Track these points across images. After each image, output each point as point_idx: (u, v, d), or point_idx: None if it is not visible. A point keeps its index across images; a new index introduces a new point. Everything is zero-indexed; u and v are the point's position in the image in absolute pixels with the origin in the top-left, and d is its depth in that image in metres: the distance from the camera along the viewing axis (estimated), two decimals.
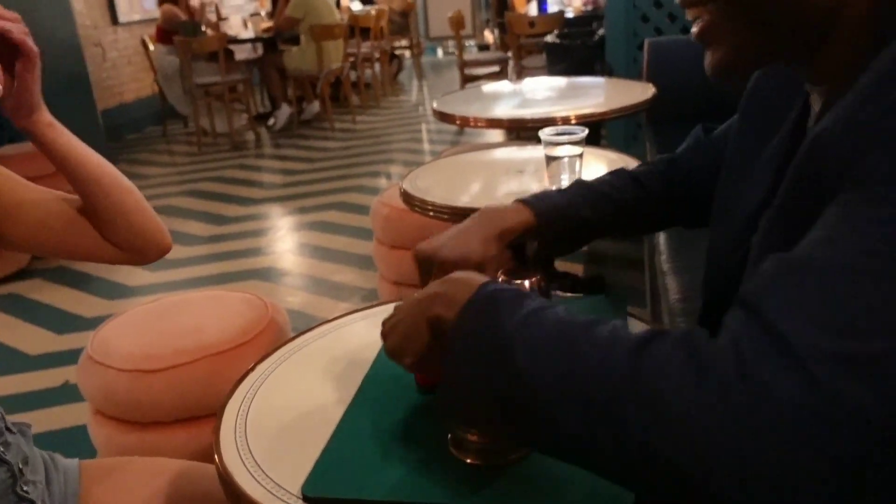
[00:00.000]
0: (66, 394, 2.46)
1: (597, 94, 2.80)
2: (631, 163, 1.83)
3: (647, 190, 1.01)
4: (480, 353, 0.59)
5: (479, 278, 0.67)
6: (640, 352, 0.50)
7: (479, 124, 2.45)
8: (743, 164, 0.81)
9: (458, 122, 2.48)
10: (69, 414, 2.34)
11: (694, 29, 0.66)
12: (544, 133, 1.60)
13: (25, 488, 0.97)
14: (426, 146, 5.69)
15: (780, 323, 0.45)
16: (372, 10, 7.26)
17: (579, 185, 1.01)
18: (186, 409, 1.65)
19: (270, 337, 1.76)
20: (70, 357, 2.50)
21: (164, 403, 1.64)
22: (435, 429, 0.80)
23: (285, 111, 6.38)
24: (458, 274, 0.70)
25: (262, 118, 6.60)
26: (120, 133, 6.54)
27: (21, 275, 3.55)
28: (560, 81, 3.06)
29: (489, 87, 3.16)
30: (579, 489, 0.70)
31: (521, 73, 4.87)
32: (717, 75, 0.65)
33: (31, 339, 2.91)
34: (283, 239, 3.95)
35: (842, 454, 0.42)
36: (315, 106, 6.53)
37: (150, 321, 1.80)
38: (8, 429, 1.00)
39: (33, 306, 3.22)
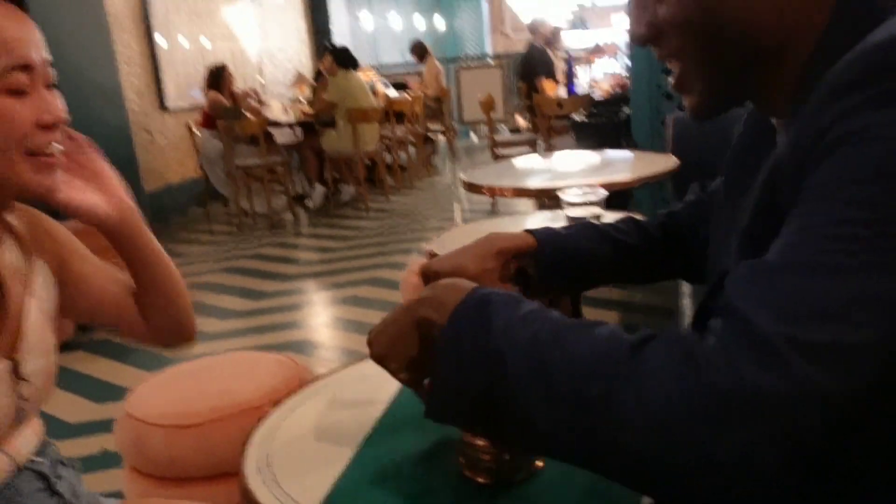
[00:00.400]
0: (104, 461, 2.51)
1: (623, 166, 2.87)
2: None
3: (650, 237, 1.03)
4: (473, 355, 0.61)
5: (468, 283, 0.69)
6: (639, 350, 0.54)
7: (506, 193, 2.53)
8: (727, 213, 0.83)
9: (485, 191, 2.56)
10: (105, 480, 2.39)
11: (670, 79, 0.73)
12: (564, 194, 1.66)
13: None
14: (459, 224, 5.80)
15: (755, 318, 0.50)
16: (407, 95, 7.54)
17: (584, 224, 1.05)
18: (218, 465, 1.69)
19: None
20: (108, 425, 2.56)
21: (197, 459, 1.68)
22: (448, 452, 0.83)
23: (319, 191, 6.58)
24: (447, 280, 0.72)
25: (300, 199, 6.80)
26: (164, 214, 6.78)
27: (65, 347, 3.66)
28: (587, 155, 3.15)
29: (519, 160, 3.26)
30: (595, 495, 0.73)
31: (550, 152, 4.99)
32: (697, 117, 0.73)
33: (72, 407, 2.99)
34: (318, 313, 4.03)
35: (805, 433, 0.47)
36: (351, 189, 6.73)
37: (186, 380, 1.86)
38: (61, 462, 1.05)
39: (76, 377, 3.31)
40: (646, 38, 0.70)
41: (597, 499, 0.72)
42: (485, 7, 14.53)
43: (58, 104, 0.86)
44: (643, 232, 1.04)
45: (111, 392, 3.07)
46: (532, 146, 5.92)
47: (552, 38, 7.21)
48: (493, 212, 5.90)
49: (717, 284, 0.72)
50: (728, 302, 0.53)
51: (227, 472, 1.70)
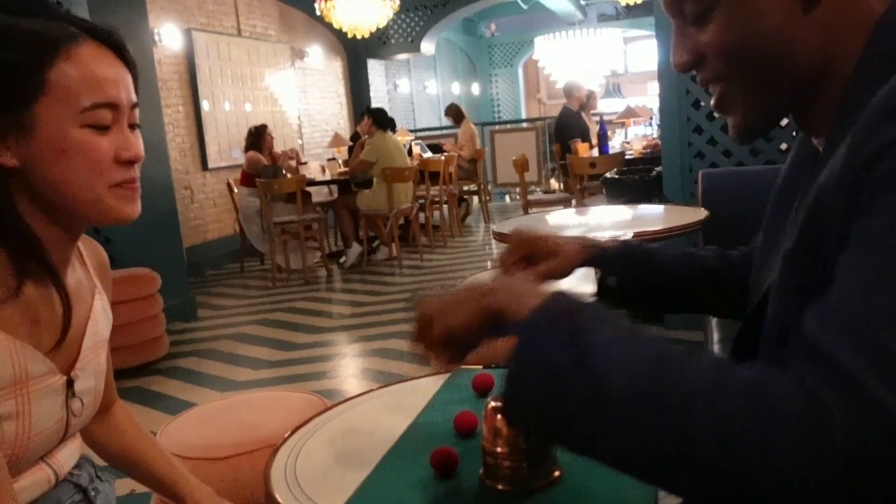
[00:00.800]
0: (132, 499, 2.52)
1: (654, 219, 2.89)
2: None
3: (732, 265, 1.01)
4: (559, 361, 0.57)
5: (544, 288, 0.66)
6: (758, 385, 0.53)
7: None
8: (770, 239, 0.83)
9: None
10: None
11: (712, 102, 0.76)
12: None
13: None
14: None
15: (856, 370, 0.50)
16: (441, 156, 7.68)
17: (672, 248, 1.04)
18: (244, 499, 1.69)
19: None
20: None
21: (223, 492, 1.68)
22: (469, 462, 0.84)
23: (356, 249, 6.67)
24: (521, 277, 0.73)
25: (333, 256, 6.90)
26: (201, 269, 6.92)
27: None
28: (619, 209, 3.18)
29: (550, 214, 3.29)
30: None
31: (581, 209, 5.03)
32: (740, 137, 0.76)
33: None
34: (347, 364, 4.05)
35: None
36: (385, 250, 6.80)
37: (216, 415, 1.89)
38: (98, 476, 1.08)
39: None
40: (688, 65, 0.74)
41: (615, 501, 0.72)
42: (521, 75, 14.85)
43: (137, 143, 0.90)
44: (722, 261, 1.02)
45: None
46: (565, 205, 5.97)
47: (587, 101, 7.32)
48: None
49: (760, 306, 0.74)
50: (829, 354, 0.52)
51: None
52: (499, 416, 0.80)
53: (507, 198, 11.55)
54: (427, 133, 10.94)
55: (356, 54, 10.20)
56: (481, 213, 9.11)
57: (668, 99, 3.85)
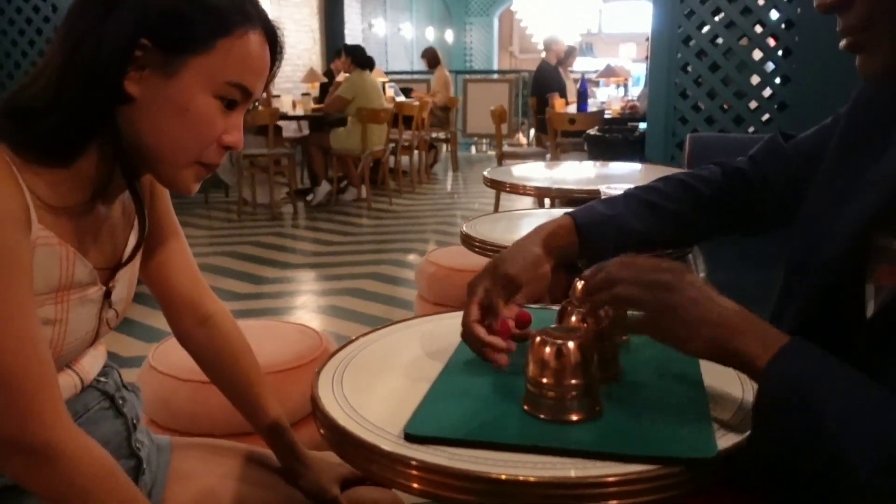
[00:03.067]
0: None
1: (641, 177, 2.93)
2: None
3: (699, 199, 1.03)
4: (798, 431, 0.65)
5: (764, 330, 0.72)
6: None
7: (529, 192, 2.56)
8: (843, 180, 0.85)
9: (507, 188, 2.60)
10: None
11: (842, 43, 0.76)
12: (605, 189, 1.70)
13: (137, 445, 1.04)
14: (459, 229, 5.83)
15: None
16: (415, 100, 7.59)
17: (629, 197, 1.04)
18: (240, 424, 1.68)
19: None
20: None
21: (219, 416, 1.68)
22: (518, 390, 0.85)
23: (325, 188, 6.60)
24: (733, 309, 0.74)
25: (301, 193, 6.82)
26: None
27: None
28: (605, 165, 3.20)
29: (537, 165, 3.28)
30: (650, 444, 0.75)
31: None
32: (870, 77, 0.75)
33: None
34: (318, 301, 4.04)
35: None
36: (354, 191, 6.75)
37: None
38: (125, 385, 1.07)
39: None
40: (834, 7, 0.73)
41: (657, 445, 0.74)
42: (495, 25, 14.68)
43: (241, 133, 0.91)
44: (692, 194, 1.04)
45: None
46: (543, 160, 5.98)
47: (565, 57, 7.30)
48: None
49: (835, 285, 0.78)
50: None
51: (249, 431, 1.71)
52: (547, 349, 0.80)
53: (474, 148, 11.51)
54: (400, 77, 10.78)
55: None
56: (449, 161, 9.09)
57: (659, 61, 3.86)
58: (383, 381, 0.96)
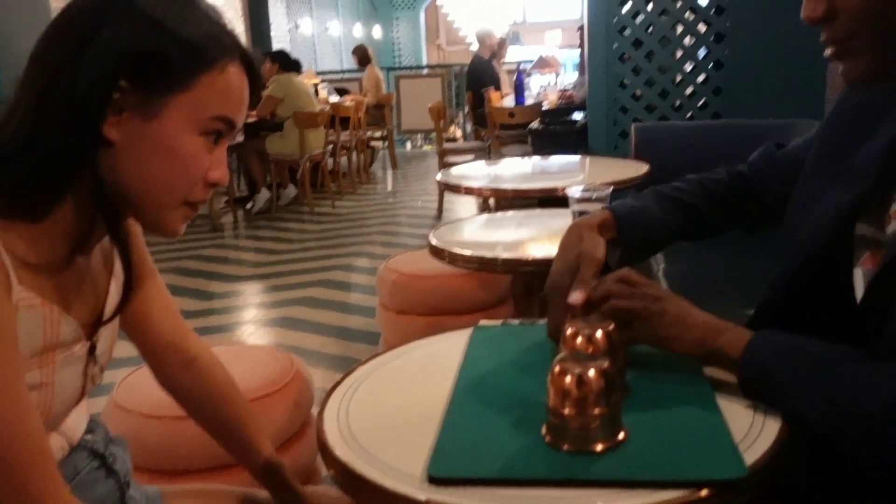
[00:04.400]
0: None
1: (596, 170, 2.96)
2: None
3: (712, 195, 1.12)
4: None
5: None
6: None
7: (485, 193, 2.55)
8: (824, 173, 0.92)
9: (463, 191, 2.59)
10: None
11: (827, 52, 0.80)
12: (572, 190, 1.70)
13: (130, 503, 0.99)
14: (405, 229, 5.81)
15: None
16: (349, 100, 7.50)
17: (655, 193, 1.12)
18: (218, 456, 1.63)
19: (297, 387, 1.79)
20: None
21: (197, 450, 1.63)
22: (533, 417, 0.84)
23: (264, 195, 6.48)
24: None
25: (240, 202, 6.67)
26: None
27: None
28: (552, 159, 3.22)
29: (469, 166, 3.23)
30: (680, 468, 0.74)
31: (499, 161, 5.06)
32: (852, 83, 0.81)
33: None
34: (271, 314, 3.96)
35: None
36: (291, 190, 6.64)
37: None
38: (112, 440, 1.02)
39: None
40: (819, 20, 0.77)
41: (680, 469, 0.74)
42: (422, 19, 14.64)
43: (226, 167, 0.88)
44: (708, 193, 1.12)
45: None
46: (485, 154, 5.99)
47: (498, 49, 7.32)
48: (439, 218, 5.93)
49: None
50: None
51: (228, 463, 1.65)
52: (567, 378, 0.78)
53: (409, 144, 11.46)
54: (331, 76, 10.65)
55: None
56: (387, 159, 9.03)
57: (596, 53, 3.90)
58: (391, 415, 0.94)
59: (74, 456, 0.94)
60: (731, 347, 0.84)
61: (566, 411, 0.79)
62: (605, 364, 0.79)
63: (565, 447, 0.79)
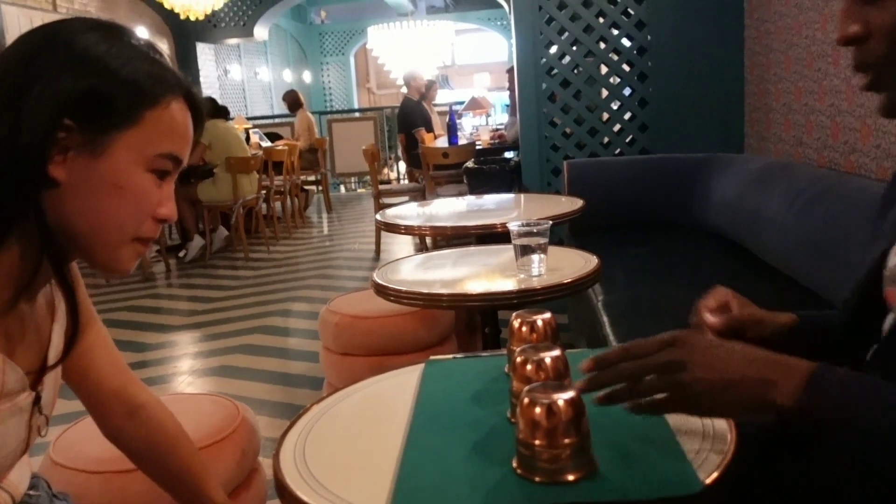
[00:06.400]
0: None
1: (532, 206, 3.02)
2: (588, 257, 1.99)
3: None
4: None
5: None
6: None
7: (424, 231, 2.58)
8: (881, 219, 0.92)
9: (402, 230, 2.60)
10: None
11: (860, 80, 0.79)
12: (513, 225, 1.74)
13: None
14: (343, 272, 5.77)
15: None
16: (282, 144, 7.48)
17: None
18: None
19: (244, 434, 1.75)
20: None
21: None
22: (499, 449, 0.85)
23: (198, 242, 6.36)
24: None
25: (172, 250, 6.54)
26: None
27: None
28: (486, 198, 3.27)
29: (406, 207, 3.29)
30: (641, 489, 0.76)
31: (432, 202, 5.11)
32: (891, 116, 0.78)
33: None
34: (209, 363, 3.87)
35: None
36: (222, 232, 6.55)
37: None
38: (55, 495, 0.98)
39: None
40: (854, 39, 0.75)
41: (641, 490, 0.75)
42: (352, 64, 14.76)
43: (174, 203, 0.88)
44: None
45: None
46: (414, 197, 6.03)
47: (426, 91, 7.42)
48: (376, 259, 5.92)
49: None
50: None
51: None
52: (536, 409, 0.77)
53: (343, 188, 11.46)
54: (262, 122, 10.60)
55: (184, 38, 9.68)
56: (322, 203, 9.00)
57: (526, 93, 4.01)
58: (349, 454, 0.93)
59: None
60: (784, 399, 0.72)
61: (537, 442, 0.78)
62: (574, 394, 0.79)
63: (537, 479, 0.79)
